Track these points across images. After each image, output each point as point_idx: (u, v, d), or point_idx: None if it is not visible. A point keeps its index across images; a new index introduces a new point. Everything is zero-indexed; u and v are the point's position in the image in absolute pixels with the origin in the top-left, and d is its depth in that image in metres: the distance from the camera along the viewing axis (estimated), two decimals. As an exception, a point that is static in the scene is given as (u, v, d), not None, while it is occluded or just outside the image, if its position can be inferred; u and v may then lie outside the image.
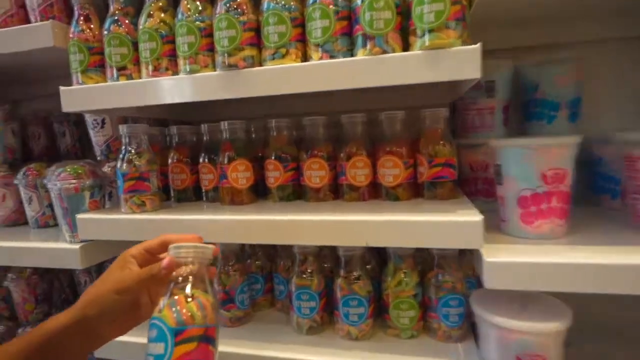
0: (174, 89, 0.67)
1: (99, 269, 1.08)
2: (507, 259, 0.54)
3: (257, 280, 0.87)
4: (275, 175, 0.79)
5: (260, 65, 0.65)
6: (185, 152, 0.87)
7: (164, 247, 0.50)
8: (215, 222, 0.67)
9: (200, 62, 0.66)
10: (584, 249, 0.56)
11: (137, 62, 0.71)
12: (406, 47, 0.59)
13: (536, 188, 0.61)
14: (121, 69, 0.71)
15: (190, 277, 0.45)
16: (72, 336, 0.47)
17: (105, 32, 0.70)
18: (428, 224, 0.57)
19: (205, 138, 0.85)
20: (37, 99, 1.25)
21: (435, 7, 0.54)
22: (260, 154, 0.84)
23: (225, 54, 0.63)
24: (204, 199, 0.85)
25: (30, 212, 0.95)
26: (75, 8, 0.73)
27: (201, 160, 0.83)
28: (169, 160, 0.86)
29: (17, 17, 0.78)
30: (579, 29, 0.83)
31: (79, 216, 0.76)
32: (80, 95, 0.72)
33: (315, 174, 0.76)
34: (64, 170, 0.79)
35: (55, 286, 1.10)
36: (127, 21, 0.70)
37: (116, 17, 0.70)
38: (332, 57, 0.61)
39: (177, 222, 0.69)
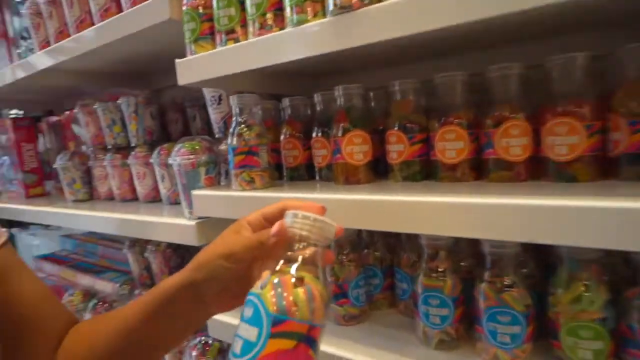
0: (279, 46, 0.58)
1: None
2: None
3: (375, 274, 0.74)
4: (398, 149, 0.64)
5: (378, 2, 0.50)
6: (298, 126, 0.78)
7: (282, 213, 0.42)
8: (323, 201, 0.56)
9: (307, 10, 0.56)
10: None
11: (244, 24, 0.65)
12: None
13: None
14: (229, 32, 0.65)
15: (302, 256, 0.36)
16: (181, 299, 0.43)
17: (213, -6, 0.65)
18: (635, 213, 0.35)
19: (318, 108, 0.75)
20: (176, 87, 1.35)
21: None
22: (380, 127, 0.71)
23: (338, -6, 0.51)
24: (317, 177, 0.76)
25: (163, 189, 1.01)
26: (188, -23, 0.70)
27: (314, 134, 0.73)
28: (281, 136, 0.79)
29: (110, 11, 0.81)
30: None
31: (194, 192, 0.74)
32: (192, 66, 0.70)
33: (451, 145, 0.59)
34: (183, 146, 0.79)
35: (187, 261, 1.16)
36: (234, -21, 0.64)
37: (224, -25, 0.64)
38: (480, -26, 0.43)
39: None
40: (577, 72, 0.53)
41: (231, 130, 0.70)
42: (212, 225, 0.77)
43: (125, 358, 0.46)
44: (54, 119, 1.56)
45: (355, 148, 0.66)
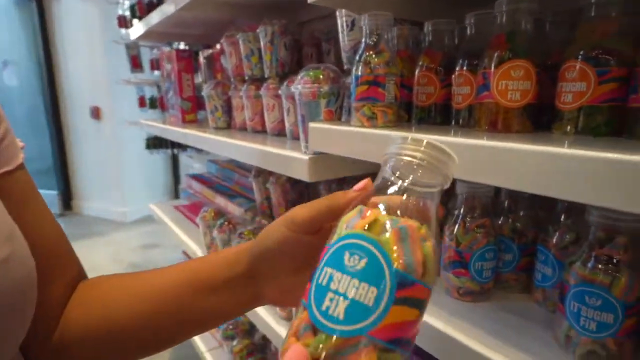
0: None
1: (339, 188, 1.06)
2: None
3: (510, 249, 0.59)
4: (577, 88, 0.46)
5: None
6: (438, 57, 0.65)
7: (333, 211, 0.32)
8: (461, 146, 0.44)
9: None
10: None
11: None
12: None
13: None
14: None
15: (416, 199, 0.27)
16: (232, 273, 0.36)
17: None
18: None
19: (469, 32, 0.60)
20: (316, 21, 1.30)
21: None
22: (555, 60, 0.52)
23: None
24: (453, 122, 0.62)
25: (287, 123, 0.99)
26: None
27: (458, 67, 0.59)
28: (416, 70, 0.67)
29: None
30: None
31: (311, 124, 0.69)
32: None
33: (671, 87, 0.39)
34: (307, 74, 0.73)
35: (303, 197, 1.17)
36: None
37: None
38: None
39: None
40: None
41: (357, 56, 0.61)
42: (326, 162, 0.72)
43: (146, 328, 0.37)
44: (208, 51, 1.70)
45: (512, 84, 0.50)
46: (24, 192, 0.37)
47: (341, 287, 0.24)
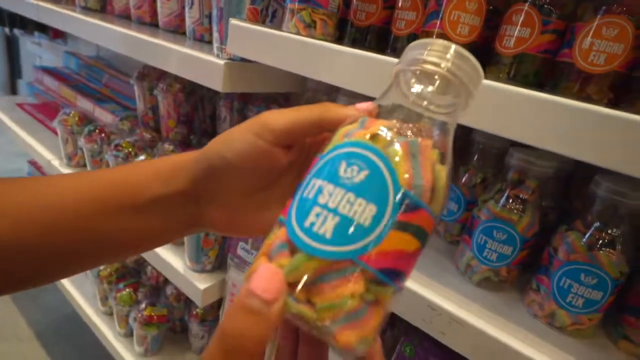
0: None
1: (243, 108, 0.96)
2: None
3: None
4: (521, 34, 0.47)
5: None
6: (385, -28, 0.59)
7: (320, 124, 0.25)
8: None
9: None
10: None
11: None
12: None
13: None
14: None
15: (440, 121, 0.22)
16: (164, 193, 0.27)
17: None
18: None
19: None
20: None
21: None
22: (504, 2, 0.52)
23: None
24: (390, 48, 0.59)
25: (189, 19, 0.82)
26: None
27: (404, -11, 0.54)
28: (359, -18, 0.59)
29: None
30: None
31: (232, 21, 0.57)
32: None
33: (601, 46, 0.42)
34: (230, -45, 0.59)
35: (198, 112, 1.04)
36: None
37: None
38: None
39: (355, 58, 0.46)
40: None
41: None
42: (243, 71, 0.62)
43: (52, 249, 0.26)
44: None
45: (464, 17, 0.48)
46: None
47: (332, 201, 0.19)
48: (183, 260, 0.81)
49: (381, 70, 0.44)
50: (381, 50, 0.60)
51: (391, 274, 0.20)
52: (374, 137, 0.20)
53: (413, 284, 0.46)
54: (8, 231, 0.24)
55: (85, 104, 1.33)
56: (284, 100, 0.93)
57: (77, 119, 1.08)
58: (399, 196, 0.19)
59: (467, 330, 0.43)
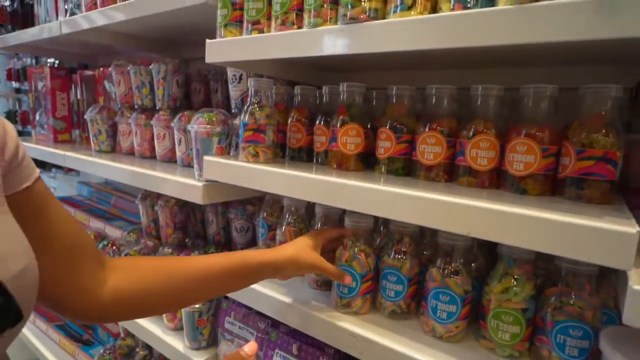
0: (295, 42, 0.67)
1: (225, 212, 1.21)
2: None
3: (352, 252, 0.84)
4: (386, 145, 0.74)
5: (384, 18, 0.59)
6: (304, 112, 0.88)
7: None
8: (302, 179, 0.67)
9: (323, 15, 0.65)
10: None
11: (269, 18, 0.74)
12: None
13: None
14: (255, 23, 0.75)
15: None
16: (264, 273, 0.67)
17: (247, -13, 0.74)
18: (559, 224, 0.45)
19: (324, 99, 0.84)
20: (203, 60, 1.45)
21: (619, -64, 0.40)
22: (376, 123, 0.80)
23: (348, 6, 0.60)
24: (314, 160, 0.85)
25: (179, 152, 1.12)
26: (227, -32, 0.79)
27: (317, 122, 0.83)
28: (289, 119, 0.89)
29: None
30: None
31: (206, 158, 0.85)
32: (219, 48, 0.79)
33: (430, 149, 0.68)
34: (202, 115, 0.89)
35: (191, 219, 1.28)
36: (266, -24, 0.73)
37: (258, -27, 0.73)
38: (465, 8, 0.52)
39: (279, 175, 0.71)
40: (544, 101, 0.61)
41: (245, 107, 0.80)
42: (216, 189, 0.88)
43: (182, 293, 0.61)
44: (89, 73, 1.68)
45: (349, 139, 0.75)
46: (44, 197, 0.48)
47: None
48: (183, 342, 0.98)
49: (297, 181, 0.69)
50: (310, 161, 0.87)
51: None
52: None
53: (340, 322, 0.66)
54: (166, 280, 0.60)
55: (97, 224, 1.58)
56: (257, 201, 1.18)
57: (92, 236, 1.32)
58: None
59: (379, 349, 0.62)
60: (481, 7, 0.51)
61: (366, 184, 0.60)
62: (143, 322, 1.08)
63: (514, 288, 0.58)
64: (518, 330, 0.57)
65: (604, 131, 0.55)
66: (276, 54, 0.70)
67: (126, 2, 1.01)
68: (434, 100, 0.71)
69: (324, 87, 0.84)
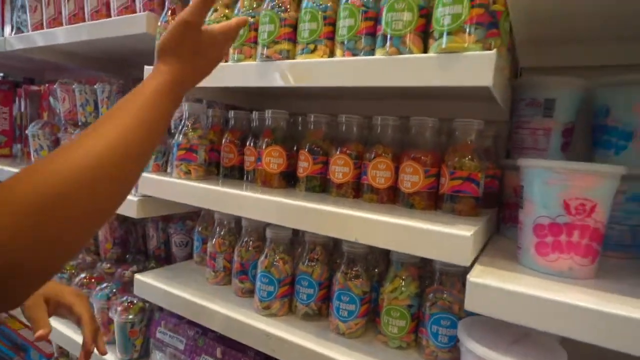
0: (222, 74, 0.76)
1: (165, 227, 1.25)
2: (492, 283, 0.50)
3: (277, 262, 0.92)
4: (304, 165, 0.83)
5: (293, 58, 0.70)
6: (237, 134, 0.96)
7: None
8: (226, 195, 0.75)
9: (245, 52, 0.74)
10: (597, 294, 0.48)
11: (201, 50, 0.83)
12: (427, 50, 0.59)
13: (555, 217, 0.55)
14: (188, 54, 0.83)
15: None
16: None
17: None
18: (413, 229, 0.55)
19: (253, 124, 0.93)
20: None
21: (453, 10, 0.53)
22: (299, 147, 0.90)
23: (264, 47, 0.70)
24: (245, 178, 0.93)
25: (120, 168, 1.16)
26: (167, 3, 0.87)
27: (248, 143, 0.92)
28: (223, 140, 0.97)
29: (101, 12, 0.98)
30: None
31: (142, 173, 0.91)
32: (156, 74, 0.87)
33: (340, 169, 0.79)
34: (140, 135, 0.95)
35: (132, 234, 1.31)
36: (199, 14, 0.82)
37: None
38: (354, 55, 0.63)
39: (209, 191, 0.79)
40: (427, 130, 0.74)
41: (179, 128, 0.87)
42: (151, 203, 0.93)
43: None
44: (34, 88, 1.68)
45: (273, 160, 0.84)
46: None
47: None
48: (115, 355, 1.01)
49: (217, 195, 0.77)
50: (241, 179, 0.95)
51: None
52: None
53: (257, 323, 0.73)
54: None
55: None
56: (196, 216, 1.24)
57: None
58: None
59: (288, 345, 0.69)
60: (365, 55, 0.62)
61: (268, 197, 0.70)
62: (75, 336, 1.09)
63: (402, 288, 0.68)
64: (404, 324, 0.67)
65: (469, 156, 0.68)
66: (208, 82, 0.79)
67: (70, 25, 1.07)
68: (344, 127, 0.82)
69: (253, 113, 0.94)
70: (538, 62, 0.84)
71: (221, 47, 0.60)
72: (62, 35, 1.09)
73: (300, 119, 0.96)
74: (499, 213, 0.82)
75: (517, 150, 0.80)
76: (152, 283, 0.89)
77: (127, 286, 1.07)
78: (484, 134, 0.78)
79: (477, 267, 0.55)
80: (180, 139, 0.86)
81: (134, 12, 0.95)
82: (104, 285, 1.08)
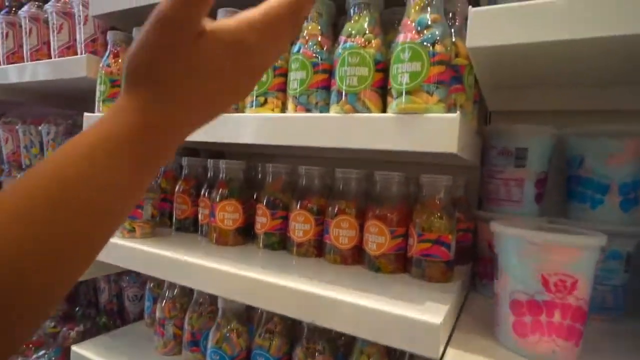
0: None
1: (117, 279, 1.14)
2: (467, 379, 0.43)
3: (236, 326, 0.83)
4: (262, 221, 0.76)
5: (243, 111, 0.63)
6: (191, 183, 0.88)
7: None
8: (171, 262, 0.66)
9: (190, 102, 0.67)
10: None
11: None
12: (386, 108, 0.53)
13: (534, 294, 0.49)
14: (131, 101, 0.75)
15: None
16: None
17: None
18: (374, 313, 0.48)
19: (209, 175, 0.85)
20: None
21: (411, 68, 0.47)
22: (257, 199, 0.82)
23: (210, 97, 0.63)
24: (200, 232, 0.85)
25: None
26: (109, 45, 0.80)
27: (202, 193, 0.84)
28: (176, 189, 0.88)
29: (41, 52, 0.89)
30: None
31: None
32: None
33: (300, 227, 0.72)
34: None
35: (81, 287, 1.19)
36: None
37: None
38: (307, 110, 0.57)
39: (153, 257, 0.70)
40: (393, 186, 0.67)
41: (122, 182, 0.78)
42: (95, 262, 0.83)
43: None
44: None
45: (227, 215, 0.76)
46: None
47: None
48: None
49: (166, 262, 0.68)
50: (195, 232, 0.86)
51: None
52: None
53: (203, 410, 0.64)
54: None
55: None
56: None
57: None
58: None
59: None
60: (319, 110, 0.56)
61: (218, 267, 0.61)
62: None
63: (367, 365, 0.61)
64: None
65: (438, 214, 0.62)
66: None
67: (9, 65, 0.98)
68: (304, 180, 0.75)
69: (209, 161, 0.86)
70: (508, 106, 0.80)
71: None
72: (4, 72, 1.00)
73: (259, 167, 0.89)
74: (473, 268, 0.76)
75: (490, 202, 0.75)
76: (89, 357, 0.78)
77: (68, 352, 0.95)
78: (455, 183, 0.72)
79: (450, 352, 0.48)
80: (123, 193, 0.77)
81: (76, 53, 0.87)
82: (42, 352, 0.95)
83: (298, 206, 0.72)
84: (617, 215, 0.66)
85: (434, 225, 0.61)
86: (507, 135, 0.71)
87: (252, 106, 0.61)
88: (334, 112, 0.54)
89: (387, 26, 0.59)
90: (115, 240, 0.76)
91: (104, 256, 0.76)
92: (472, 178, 0.80)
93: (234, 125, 0.61)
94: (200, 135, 0.64)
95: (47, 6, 0.91)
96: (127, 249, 0.73)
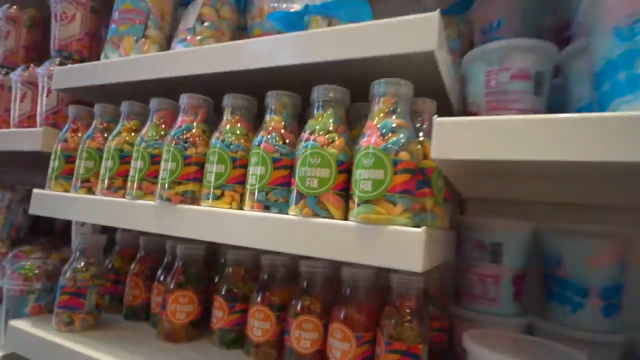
0: (113, 212, 0.63)
1: None
2: None
3: None
4: (218, 315, 0.69)
5: (199, 202, 0.59)
6: (148, 264, 0.81)
7: None
8: None
9: (145, 188, 0.63)
10: None
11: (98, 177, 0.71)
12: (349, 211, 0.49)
13: None
14: (85, 181, 0.70)
15: None
16: None
17: (81, 144, 0.71)
18: None
19: (166, 259, 0.79)
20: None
21: (373, 175, 0.44)
22: (214, 289, 0.75)
23: (164, 186, 0.59)
24: (152, 321, 0.76)
25: None
26: (70, 119, 0.76)
27: (156, 282, 0.76)
28: (130, 272, 0.81)
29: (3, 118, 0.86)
30: (621, 191, 0.66)
31: (12, 323, 0.72)
32: (46, 201, 0.73)
33: (259, 325, 0.65)
34: (20, 268, 0.77)
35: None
36: (101, 137, 0.71)
37: (92, 132, 0.71)
38: (266, 207, 0.52)
39: (78, 356, 0.61)
40: (359, 284, 0.62)
41: (65, 267, 0.71)
42: (22, 360, 0.73)
43: None
44: None
45: (180, 307, 0.69)
46: None
47: None
48: None
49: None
50: (147, 320, 0.78)
51: None
52: None
53: None
54: None
55: None
56: None
57: None
58: None
59: None
60: (279, 208, 0.52)
61: None
62: None
63: None
64: None
65: (408, 319, 0.56)
66: (99, 219, 0.65)
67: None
68: (267, 271, 0.69)
69: (167, 242, 0.80)
70: (482, 193, 0.78)
71: None
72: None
73: (222, 249, 0.83)
74: (450, 372, 0.69)
75: (466, 297, 0.70)
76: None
77: None
78: (429, 276, 0.67)
79: None
80: (64, 280, 0.70)
81: (36, 124, 0.83)
82: None
83: (259, 299, 0.66)
84: (599, 321, 0.61)
85: (404, 333, 0.55)
86: (481, 229, 0.68)
87: (207, 198, 0.56)
88: (293, 214, 0.49)
89: (354, 121, 0.57)
90: (46, 335, 0.67)
91: (35, 355, 0.67)
92: (446, 270, 0.76)
93: (187, 218, 0.56)
94: (155, 225, 0.59)
95: (12, 75, 0.89)
96: (60, 349, 0.64)
